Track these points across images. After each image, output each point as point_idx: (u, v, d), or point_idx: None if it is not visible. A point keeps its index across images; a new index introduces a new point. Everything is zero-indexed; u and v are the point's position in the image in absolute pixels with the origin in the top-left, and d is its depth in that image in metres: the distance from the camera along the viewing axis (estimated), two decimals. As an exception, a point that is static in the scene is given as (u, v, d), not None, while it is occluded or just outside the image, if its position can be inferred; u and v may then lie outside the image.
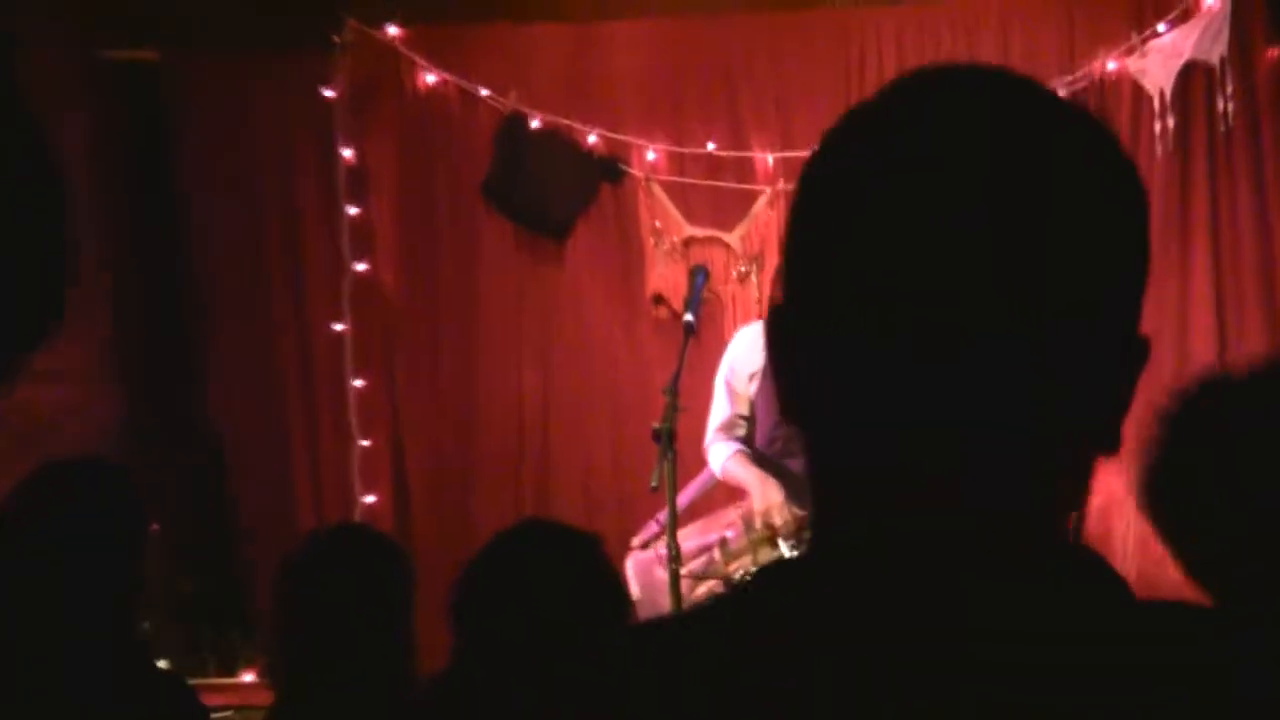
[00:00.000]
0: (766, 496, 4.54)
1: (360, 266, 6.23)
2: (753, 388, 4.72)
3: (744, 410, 4.74)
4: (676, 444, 4.19)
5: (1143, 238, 0.88)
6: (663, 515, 4.55)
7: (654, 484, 4.14)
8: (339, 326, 6.21)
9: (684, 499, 4.48)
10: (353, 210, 6.23)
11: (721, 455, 4.69)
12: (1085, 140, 0.87)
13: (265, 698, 2.91)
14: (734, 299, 6.08)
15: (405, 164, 6.32)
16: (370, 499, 6.17)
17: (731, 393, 4.69)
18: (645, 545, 4.58)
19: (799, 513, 4.51)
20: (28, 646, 2.39)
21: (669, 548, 4.12)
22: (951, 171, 0.83)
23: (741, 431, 4.74)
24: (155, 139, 6.20)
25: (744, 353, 4.67)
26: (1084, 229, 0.84)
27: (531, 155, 6.19)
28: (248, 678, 5.61)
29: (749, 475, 4.63)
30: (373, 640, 2.72)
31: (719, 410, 4.73)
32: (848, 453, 0.89)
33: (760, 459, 4.67)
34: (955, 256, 0.83)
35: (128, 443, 5.74)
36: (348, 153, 6.20)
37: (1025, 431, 0.85)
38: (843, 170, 0.88)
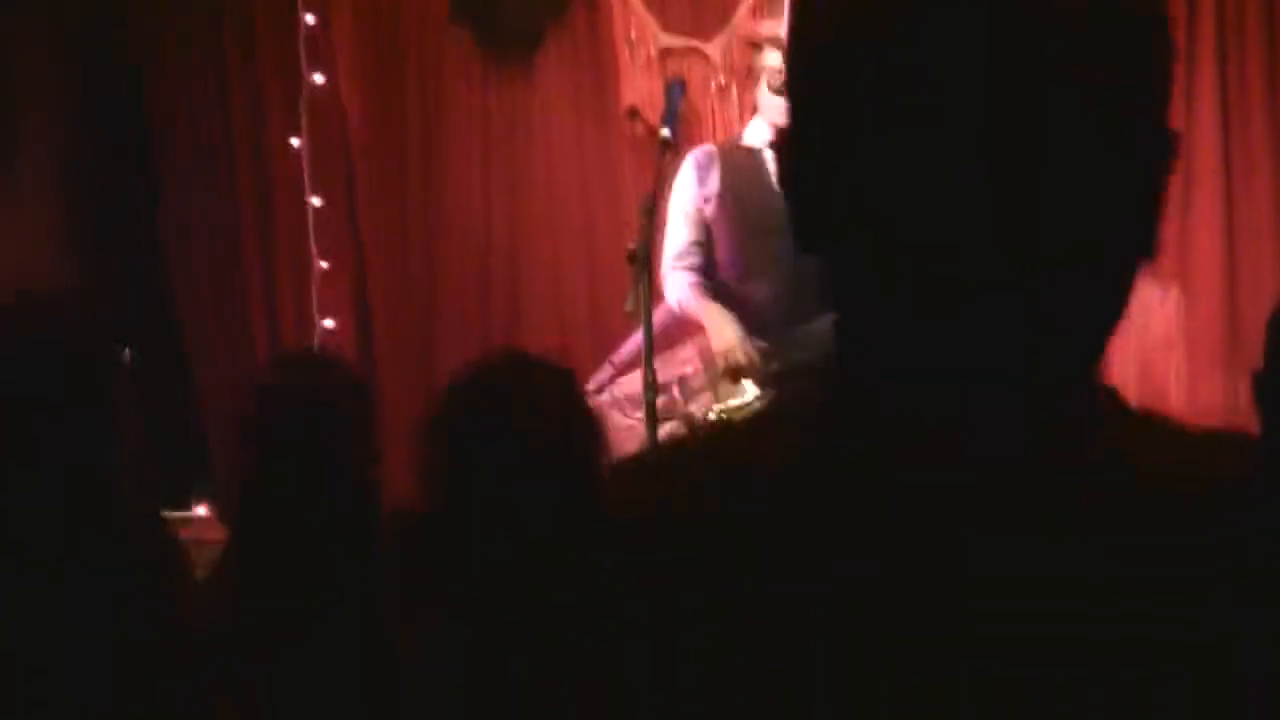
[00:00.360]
0: (724, 335, 4.56)
1: (319, 79, 6.10)
2: (708, 210, 4.68)
3: (701, 236, 4.71)
4: (653, 266, 4.17)
5: (1150, 171, 0.88)
6: (617, 357, 4.55)
7: (629, 307, 4.12)
8: (296, 142, 6.09)
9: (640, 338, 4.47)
10: (310, 19, 6.08)
11: (677, 287, 4.67)
12: (1095, 74, 0.85)
13: (218, 533, 2.89)
14: (714, 113, 5.98)
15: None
16: (330, 324, 6.11)
17: (686, 218, 4.66)
18: (600, 389, 4.58)
19: (760, 344, 4.53)
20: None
21: (645, 375, 4.10)
22: (952, 123, 0.83)
23: (699, 259, 4.71)
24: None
25: (697, 177, 4.64)
26: (1085, 177, 0.84)
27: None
28: (200, 510, 5.62)
29: (706, 311, 4.63)
30: (332, 473, 2.69)
31: (675, 238, 4.70)
32: (853, 396, 0.90)
33: (720, 290, 4.66)
34: (956, 211, 0.83)
35: (73, 262, 5.68)
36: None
37: (1025, 384, 0.86)
38: (842, 112, 0.88)
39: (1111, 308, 0.89)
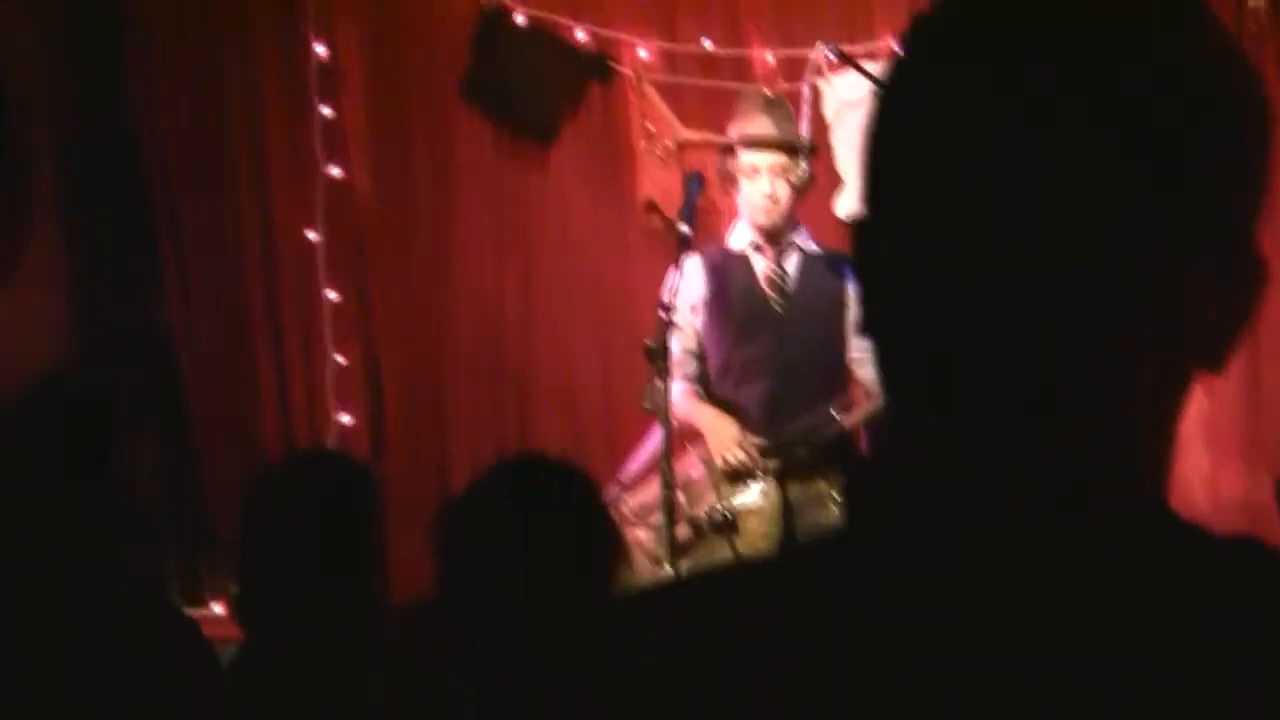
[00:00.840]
0: (720, 432, 4.62)
1: (335, 171, 6.15)
2: (698, 320, 4.74)
3: (693, 345, 4.76)
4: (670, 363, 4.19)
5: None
6: (624, 475, 4.58)
7: (646, 405, 4.15)
8: (312, 235, 6.15)
9: (648, 451, 4.49)
10: (327, 111, 6.15)
11: (673, 397, 4.65)
12: (1097, 73, 0.87)
13: (235, 632, 2.91)
14: (732, 208, 6.02)
15: (379, 59, 6.25)
16: (346, 419, 6.14)
17: (677, 329, 4.62)
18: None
19: (758, 442, 4.57)
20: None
21: (662, 472, 4.13)
22: (952, 123, 0.86)
23: (693, 368, 4.76)
24: (110, 30, 6.12)
25: (685, 285, 4.59)
26: (1086, 177, 0.86)
27: (514, 52, 6.11)
28: (217, 609, 5.61)
29: (702, 414, 4.69)
30: (340, 568, 2.72)
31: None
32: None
33: (712, 396, 4.72)
34: (956, 211, 0.86)
35: (79, 356, 5.71)
36: (320, 49, 6.13)
37: (1025, 383, 0.87)
38: (877, 118, 0.92)
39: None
